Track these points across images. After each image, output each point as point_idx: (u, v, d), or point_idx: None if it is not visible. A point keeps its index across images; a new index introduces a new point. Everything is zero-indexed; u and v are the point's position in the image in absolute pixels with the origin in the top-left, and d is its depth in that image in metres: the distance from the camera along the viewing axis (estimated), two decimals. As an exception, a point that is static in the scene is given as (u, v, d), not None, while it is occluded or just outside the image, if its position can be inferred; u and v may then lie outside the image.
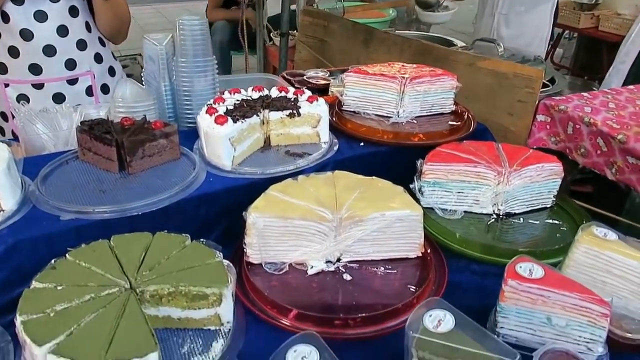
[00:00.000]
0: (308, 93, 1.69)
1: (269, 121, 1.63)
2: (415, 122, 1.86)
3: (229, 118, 1.49)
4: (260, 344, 1.11)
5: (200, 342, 1.10)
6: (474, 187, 1.52)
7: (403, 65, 1.98)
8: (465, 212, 1.55)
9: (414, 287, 1.23)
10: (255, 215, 1.26)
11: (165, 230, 1.24)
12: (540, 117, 2.07)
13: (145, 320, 0.99)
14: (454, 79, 1.87)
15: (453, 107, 1.93)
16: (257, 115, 1.59)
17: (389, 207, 1.28)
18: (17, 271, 1.18)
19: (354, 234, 1.29)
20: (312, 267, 1.29)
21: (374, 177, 1.44)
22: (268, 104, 1.63)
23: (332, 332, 1.11)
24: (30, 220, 1.26)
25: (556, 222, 1.53)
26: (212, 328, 1.13)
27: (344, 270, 1.30)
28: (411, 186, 1.54)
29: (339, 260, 1.32)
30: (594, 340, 1.03)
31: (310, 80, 2.11)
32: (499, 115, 2.12)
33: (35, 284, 1.07)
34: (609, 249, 1.15)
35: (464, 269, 1.36)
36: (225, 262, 1.17)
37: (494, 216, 1.54)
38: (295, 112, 1.62)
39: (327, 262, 1.32)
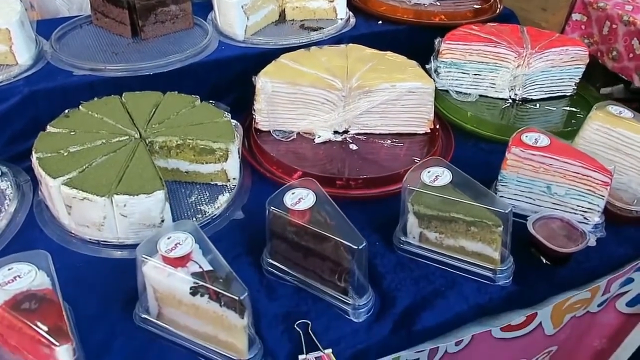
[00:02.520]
0: (328, -35, 1.61)
1: (285, -7, 1.57)
2: (438, 4, 1.76)
3: (242, -16, 1.44)
4: (264, 200, 1.14)
5: (207, 195, 1.15)
6: (492, 69, 1.48)
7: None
8: (480, 96, 1.52)
9: (418, 159, 1.24)
10: (264, 80, 1.25)
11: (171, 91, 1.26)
12: (575, 16, 1.93)
13: (152, 165, 1.02)
14: (484, -43, 1.75)
15: (481, -10, 1.83)
16: (272, -15, 1.53)
17: (400, 79, 1.26)
18: (32, 121, 1.21)
19: (363, 105, 1.28)
20: (319, 137, 1.31)
21: (388, 51, 1.40)
22: (284, -27, 1.56)
23: (334, 192, 1.13)
24: (44, 74, 1.28)
25: (574, 109, 1.49)
26: (219, 183, 1.18)
27: (350, 141, 1.31)
28: (427, 67, 1.50)
29: (346, 132, 1.33)
30: (592, 209, 1.04)
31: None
32: (532, 11, 2.01)
33: (49, 128, 1.11)
34: (621, 125, 1.12)
35: (472, 146, 1.36)
36: (233, 121, 1.18)
37: (510, 101, 1.51)
38: (311, -17, 1.55)
39: (335, 132, 1.32)
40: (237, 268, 0.96)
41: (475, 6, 1.75)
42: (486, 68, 1.48)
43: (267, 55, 1.40)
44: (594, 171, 1.00)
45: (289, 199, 0.89)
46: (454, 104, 1.45)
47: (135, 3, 1.41)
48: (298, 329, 0.86)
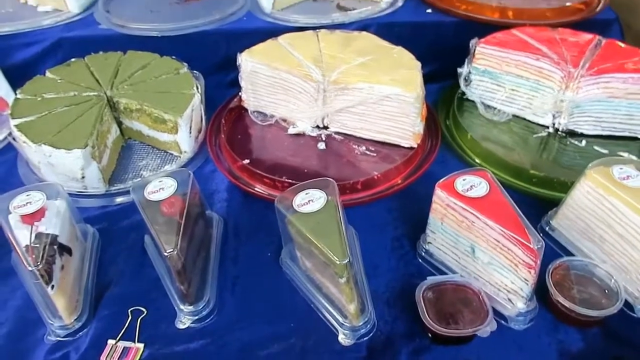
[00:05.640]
0: (383, -61, 1.44)
1: (329, -33, 1.46)
2: (522, -4, 1.46)
3: (277, -45, 1.38)
4: (200, 181, 1.14)
5: (157, 162, 1.19)
6: (532, 86, 1.19)
7: None
8: (515, 116, 1.25)
9: (378, 175, 1.08)
10: (245, 57, 1.21)
11: (181, 57, 1.28)
12: None
13: (94, 124, 1.08)
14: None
15: (588, -16, 1.45)
16: (315, -42, 1.44)
17: (381, 81, 1.10)
18: (60, 64, 1.36)
19: (339, 102, 1.16)
20: (293, 127, 1.23)
21: (400, 47, 1.23)
22: (332, -54, 1.45)
23: (263, 190, 1.08)
24: (83, 23, 1.43)
25: (634, 157, 1.12)
26: (175, 154, 1.20)
27: (323, 139, 1.20)
28: (459, 70, 1.28)
29: (326, 128, 1.23)
30: (516, 292, 0.80)
31: None
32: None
33: (48, 73, 1.24)
34: (616, 196, 0.83)
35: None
36: (198, 96, 1.18)
37: (551, 130, 1.21)
38: (356, -41, 1.41)
39: (317, 127, 1.23)
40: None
41: (568, 3, 1.40)
42: (526, 84, 1.20)
43: (286, 32, 1.33)
44: (515, 245, 0.76)
45: (152, 186, 0.87)
46: (465, 120, 1.22)
47: (180, -35, 1.46)
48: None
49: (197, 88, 1.20)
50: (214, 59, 1.41)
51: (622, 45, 1.20)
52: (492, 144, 1.17)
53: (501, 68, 1.21)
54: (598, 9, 1.37)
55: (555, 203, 0.98)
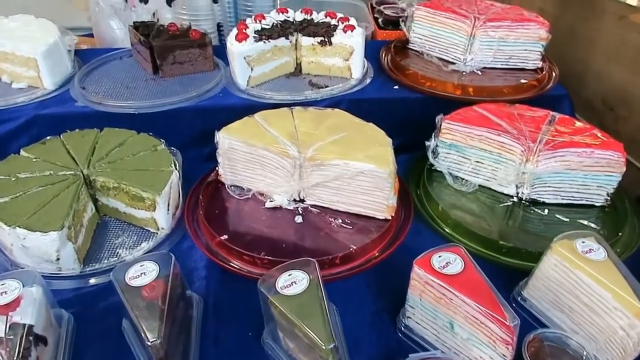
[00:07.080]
0: (353, 22, 1.54)
1: (301, 46, 1.55)
2: (479, 73, 1.58)
3: (251, 36, 1.46)
4: (184, 257, 1.14)
5: (134, 239, 1.18)
6: (496, 159, 1.27)
7: (492, 4, 1.67)
8: (481, 186, 1.31)
9: (354, 248, 1.11)
10: (222, 135, 1.25)
11: (157, 132, 1.31)
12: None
13: (70, 204, 1.08)
14: (544, 28, 1.52)
15: (539, 64, 1.58)
16: (287, 39, 1.52)
17: (355, 157, 1.15)
18: (36, 140, 1.36)
19: (315, 178, 1.20)
20: (270, 201, 1.26)
21: (371, 123, 1.29)
22: (303, 27, 1.54)
23: (241, 267, 1.09)
24: (57, 100, 1.44)
25: (592, 225, 1.20)
26: (152, 230, 1.20)
27: (300, 212, 1.23)
28: (427, 143, 1.35)
29: (303, 201, 1.26)
30: (495, 366, 0.83)
31: (386, 12, 1.91)
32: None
33: (22, 152, 1.24)
34: (580, 268, 0.88)
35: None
36: (176, 173, 1.20)
37: (515, 199, 1.28)
38: (326, 40, 1.50)
39: (294, 200, 1.26)
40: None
41: (522, 80, 1.52)
42: (489, 157, 1.28)
43: (260, 108, 1.39)
44: (492, 322, 0.79)
45: (133, 271, 0.87)
46: (434, 190, 1.28)
47: (154, 44, 1.51)
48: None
49: (175, 165, 1.22)
50: (190, 134, 1.44)
51: (576, 121, 1.30)
52: (462, 213, 1.23)
53: (466, 142, 1.29)
54: (549, 86, 1.49)
55: (525, 272, 1.03)
